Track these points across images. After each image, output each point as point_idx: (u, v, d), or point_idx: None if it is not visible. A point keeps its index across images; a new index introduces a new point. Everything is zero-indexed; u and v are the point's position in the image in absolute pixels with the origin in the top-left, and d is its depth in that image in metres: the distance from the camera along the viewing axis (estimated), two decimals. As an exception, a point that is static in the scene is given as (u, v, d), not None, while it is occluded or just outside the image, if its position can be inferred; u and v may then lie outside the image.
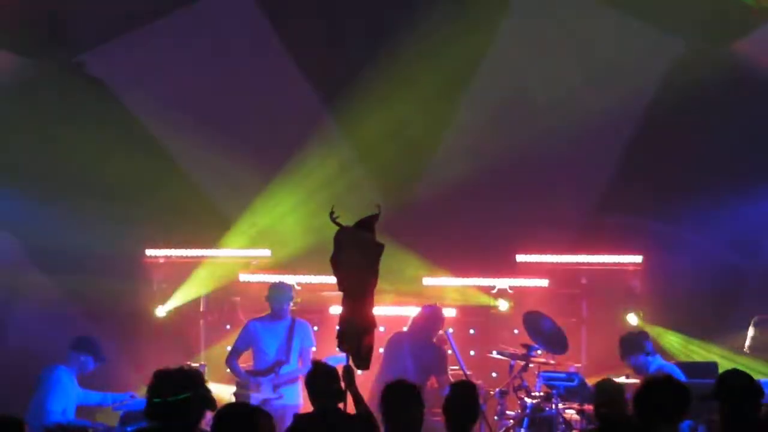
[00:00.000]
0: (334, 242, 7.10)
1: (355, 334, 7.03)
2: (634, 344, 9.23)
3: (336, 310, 11.45)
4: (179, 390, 5.19)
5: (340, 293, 11.13)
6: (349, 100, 11.50)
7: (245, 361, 10.19)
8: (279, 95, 11.74)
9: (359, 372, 7.13)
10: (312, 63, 11.70)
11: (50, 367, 9.42)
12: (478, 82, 11.56)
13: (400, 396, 6.32)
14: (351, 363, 7.03)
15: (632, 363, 9.22)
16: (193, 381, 5.28)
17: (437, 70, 11.45)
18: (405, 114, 11.55)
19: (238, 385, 10.06)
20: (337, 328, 7.20)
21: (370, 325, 7.09)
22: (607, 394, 7.34)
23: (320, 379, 6.76)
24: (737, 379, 6.15)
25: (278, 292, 10.11)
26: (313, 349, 10.13)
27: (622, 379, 9.59)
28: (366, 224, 7.08)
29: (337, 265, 7.14)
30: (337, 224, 7.09)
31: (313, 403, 6.79)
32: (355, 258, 7.04)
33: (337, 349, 7.20)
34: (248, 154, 11.81)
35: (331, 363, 7.16)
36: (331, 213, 7.06)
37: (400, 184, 11.80)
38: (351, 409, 6.78)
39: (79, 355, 9.48)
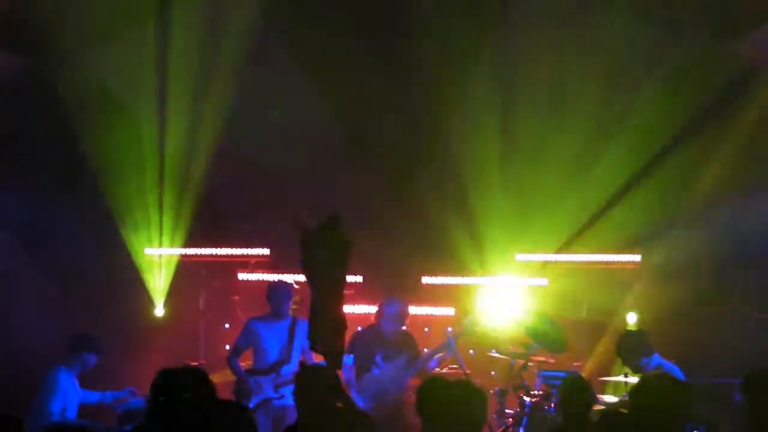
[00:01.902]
0: (300, 245, 7.07)
1: (328, 334, 7.00)
2: (630, 347, 9.18)
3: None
4: (183, 389, 5.19)
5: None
6: (347, 99, 11.53)
7: (244, 360, 10.21)
8: (279, 94, 11.75)
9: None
10: (311, 60, 11.71)
11: (50, 369, 9.42)
12: (477, 80, 11.55)
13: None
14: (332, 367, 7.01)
15: (630, 365, 9.20)
16: (197, 380, 5.27)
17: (437, 66, 11.46)
18: (405, 111, 11.56)
19: (237, 384, 10.06)
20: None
21: (342, 324, 7.06)
22: (572, 389, 7.25)
23: (308, 381, 6.72)
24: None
25: (278, 291, 10.11)
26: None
27: (621, 378, 9.63)
28: (330, 223, 7.05)
29: (305, 267, 7.11)
30: (300, 227, 7.05)
31: (299, 404, 6.73)
32: (324, 258, 7.00)
33: (309, 349, 7.16)
34: (248, 154, 11.85)
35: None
36: (292, 217, 7.02)
37: (399, 183, 11.82)
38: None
39: (78, 353, 9.48)
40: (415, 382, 9.64)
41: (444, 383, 5.89)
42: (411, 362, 9.93)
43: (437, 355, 10.00)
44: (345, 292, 7.09)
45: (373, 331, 10.02)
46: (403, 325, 10.09)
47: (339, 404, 6.68)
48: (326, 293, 6.99)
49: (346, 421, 6.57)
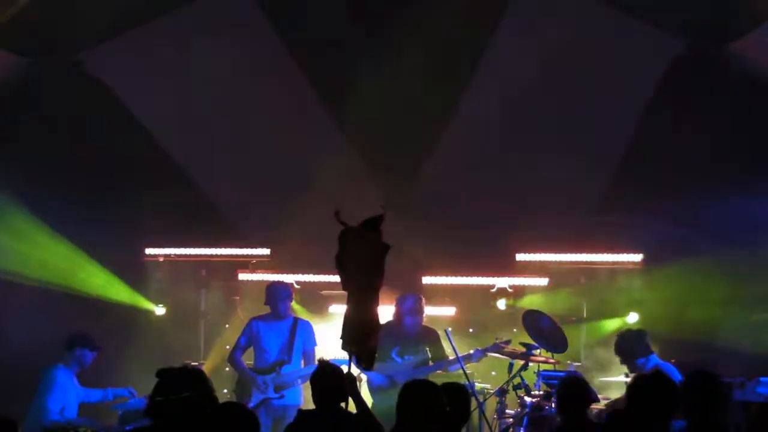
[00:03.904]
0: (338, 241, 7.04)
1: (361, 335, 6.97)
2: (628, 347, 9.19)
3: (335, 309, 11.48)
4: (181, 389, 5.19)
5: (340, 292, 11.24)
6: (347, 99, 11.53)
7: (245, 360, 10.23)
8: (279, 94, 11.74)
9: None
10: (311, 61, 11.70)
11: (48, 368, 9.48)
12: (477, 81, 11.55)
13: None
14: (352, 369, 6.99)
15: (628, 365, 9.21)
16: (196, 380, 5.28)
17: (436, 67, 11.46)
18: (404, 111, 11.55)
19: (239, 383, 10.09)
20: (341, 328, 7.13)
21: (375, 326, 7.03)
22: (571, 388, 7.26)
23: (325, 380, 6.77)
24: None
25: (276, 291, 10.13)
26: (316, 347, 10.13)
27: (621, 378, 9.63)
28: (371, 224, 7.02)
29: (341, 265, 7.07)
30: (342, 223, 7.02)
31: (315, 403, 6.79)
32: (360, 258, 6.94)
33: (341, 349, 7.14)
34: (248, 154, 11.87)
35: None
36: (336, 212, 6.99)
37: (400, 183, 11.82)
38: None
39: (74, 351, 9.53)
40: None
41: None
42: (428, 361, 9.98)
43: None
44: (379, 293, 6.99)
45: (391, 326, 10.01)
46: (421, 318, 10.10)
47: (354, 406, 6.73)
48: (359, 294, 6.92)
49: (357, 424, 6.59)
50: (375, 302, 6.97)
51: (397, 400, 6.15)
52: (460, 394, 6.48)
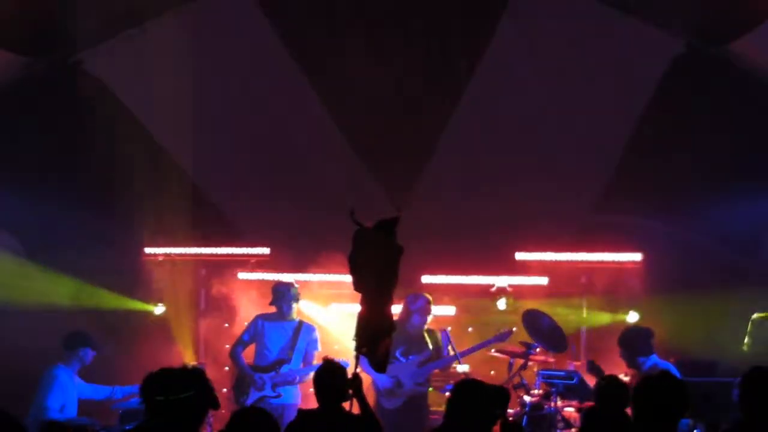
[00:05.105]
0: (352, 241, 7.03)
1: (373, 337, 6.97)
2: (633, 341, 9.22)
3: (335, 308, 11.50)
4: (182, 389, 5.20)
5: (340, 292, 11.28)
6: (347, 99, 11.53)
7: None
8: (278, 94, 11.74)
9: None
10: (311, 61, 11.70)
11: (48, 367, 9.53)
12: (476, 80, 11.55)
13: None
14: (357, 370, 6.99)
15: (628, 359, 9.22)
16: (196, 380, 5.29)
17: (436, 67, 11.45)
18: (404, 111, 11.55)
19: (238, 380, 10.11)
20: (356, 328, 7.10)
21: (388, 327, 7.02)
22: (612, 392, 7.29)
23: (329, 378, 6.78)
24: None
25: (282, 292, 10.16)
26: (317, 352, 10.14)
27: (620, 377, 9.62)
28: (386, 225, 7.00)
29: (354, 266, 7.05)
30: (357, 224, 7.00)
31: (318, 401, 6.80)
32: (373, 259, 6.94)
33: (355, 350, 7.13)
34: (247, 153, 11.87)
35: None
36: (351, 213, 6.99)
37: (400, 182, 11.81)
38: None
39: (76, 350, 9.57)
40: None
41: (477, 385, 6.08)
42: (431, 360, 9.98)
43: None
44: (392, 296, 7.00)
45: (397, 325, 10.02)
46: (428, 318, 10.10)
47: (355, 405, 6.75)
48: (372, 295, 6.93)
49: (358, 425, 6.61)
50: (388, 304, 6.96)
51: (448, 399, 6.22)
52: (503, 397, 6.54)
